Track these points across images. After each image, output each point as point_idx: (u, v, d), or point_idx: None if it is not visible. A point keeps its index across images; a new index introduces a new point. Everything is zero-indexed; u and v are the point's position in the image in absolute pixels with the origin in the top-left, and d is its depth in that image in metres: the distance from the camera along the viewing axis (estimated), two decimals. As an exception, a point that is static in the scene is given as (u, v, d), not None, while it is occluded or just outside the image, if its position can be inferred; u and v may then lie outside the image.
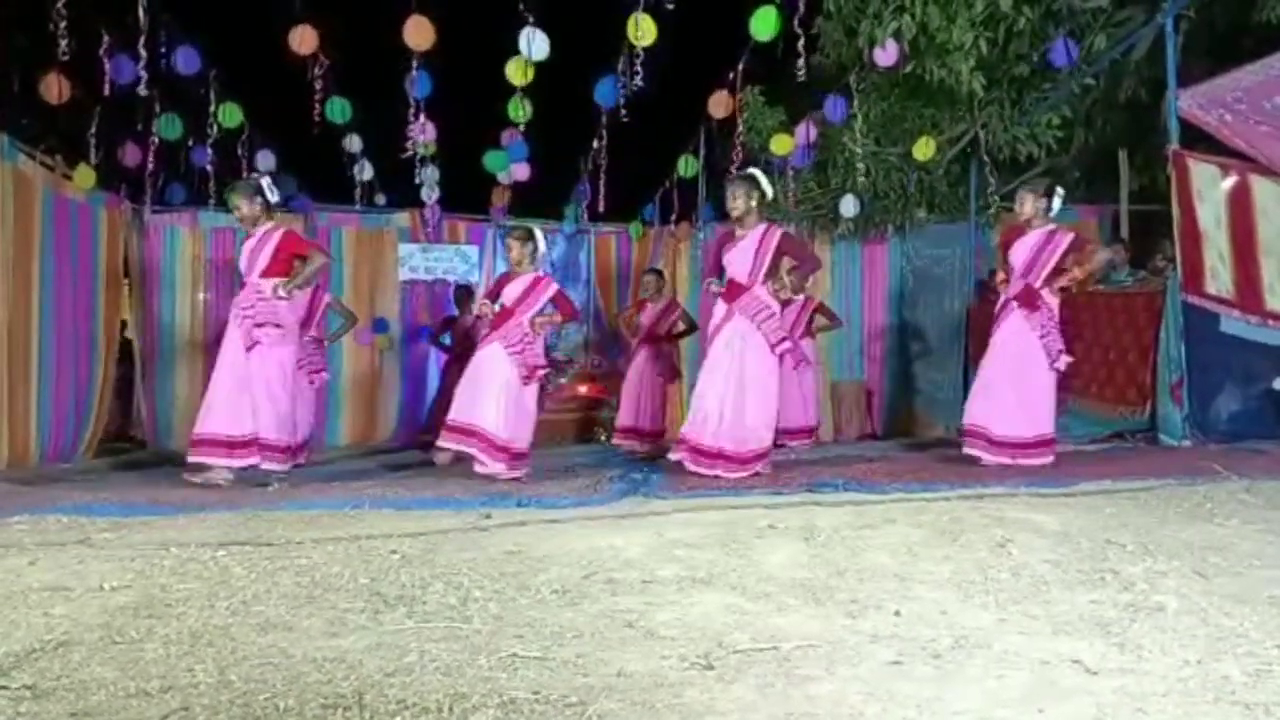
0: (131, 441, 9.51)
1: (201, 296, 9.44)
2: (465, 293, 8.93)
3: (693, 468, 4.95)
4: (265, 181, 5.32)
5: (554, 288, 5.66)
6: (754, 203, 5.11)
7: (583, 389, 10.13)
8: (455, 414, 5.37)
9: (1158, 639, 1.95)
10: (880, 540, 2.94)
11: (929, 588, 2.42)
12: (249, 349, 5.05)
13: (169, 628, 2.20)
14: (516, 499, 4.17)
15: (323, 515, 3.85)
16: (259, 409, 5.04)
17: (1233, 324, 5.95)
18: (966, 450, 5.24)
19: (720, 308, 5.19)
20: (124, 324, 9.13)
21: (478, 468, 5.33)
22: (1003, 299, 5.34)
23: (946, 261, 9.39)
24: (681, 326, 8.04)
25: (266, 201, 5.23)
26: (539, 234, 5.76)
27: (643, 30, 6.16)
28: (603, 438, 9.57)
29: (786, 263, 5.38)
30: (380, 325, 9.75)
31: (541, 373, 5.46)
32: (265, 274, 5.11)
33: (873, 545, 2.88)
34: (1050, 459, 5.07)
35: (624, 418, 8.12)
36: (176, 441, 9.10)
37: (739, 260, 5.11)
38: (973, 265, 9.00)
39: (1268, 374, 5.85)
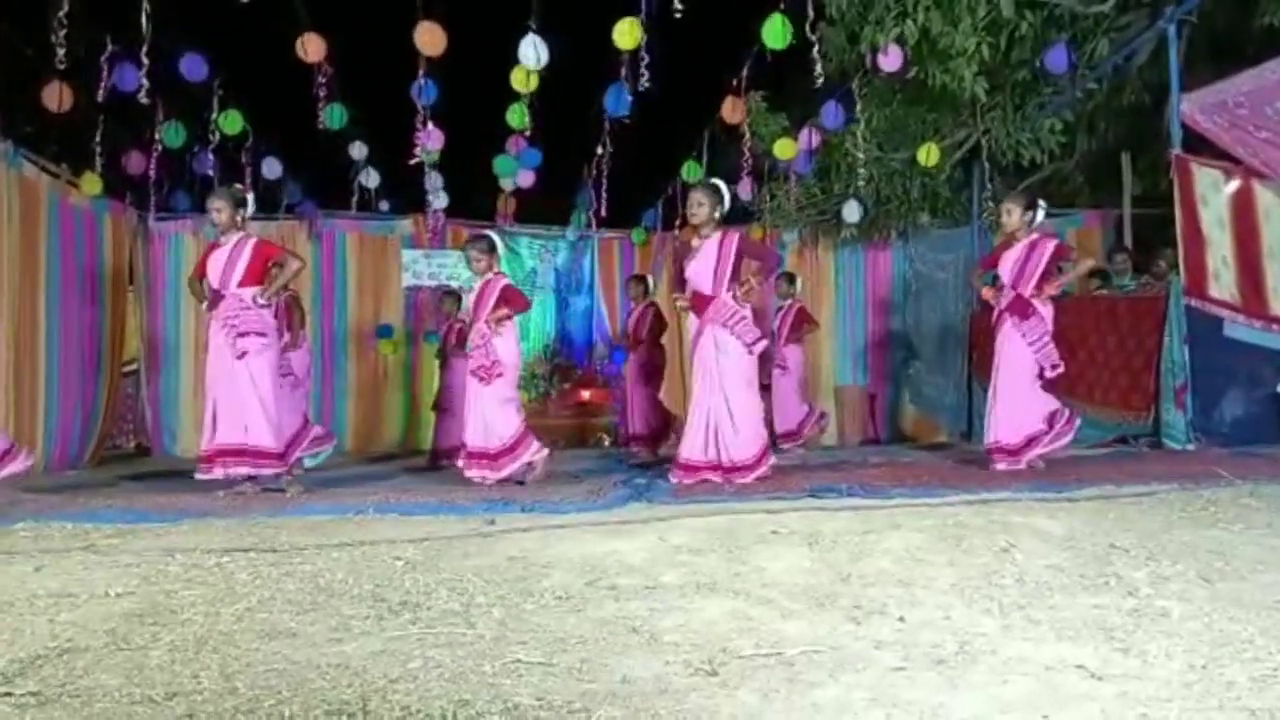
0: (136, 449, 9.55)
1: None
2: (453, 297, 8.23)
3: (689, 481, 4.92)
4: (249, 196, 5.48)
5: (503, 282, 5.65)
6: (716, 212, 5.11)
7: (585, 394, 10.12)
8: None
9: (1162, 644, 1.95)
10: (884, 545, 2.94)
11: (933, 593, 2.42)
12: (239, 358, 5.08)
13: (174, 634, 2.20)
14: (520, 505, 4.18)
15: (326, 521, 3.87)
16: (251, 420, 5.08)
17: (1237, 328, 5.95)
18: (997, 466, 5.20)
19: (694, 321, 5.15)
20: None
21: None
22: (996, 311, 5.40)
23: (949, 266, 9.40)
24: (653, 326, 7.87)
25: (244, 214, 5.32)
26: (497, 239, 5.82)
27: (633, 34, 6.15)
28: (605, 443, 9.57)
29: (752, 265, 5.24)
30: (384, 331, 9.76)
31: (498, 370, 5.46)
32: (243, 284, 5.16)
33: (876, 550, 2.88)
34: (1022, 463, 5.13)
35: (629, 425, 8.11)
36: (181, 448, 9.15)
37: (701, 270, 5.08)
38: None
39: (1271, 378, 5.86)
